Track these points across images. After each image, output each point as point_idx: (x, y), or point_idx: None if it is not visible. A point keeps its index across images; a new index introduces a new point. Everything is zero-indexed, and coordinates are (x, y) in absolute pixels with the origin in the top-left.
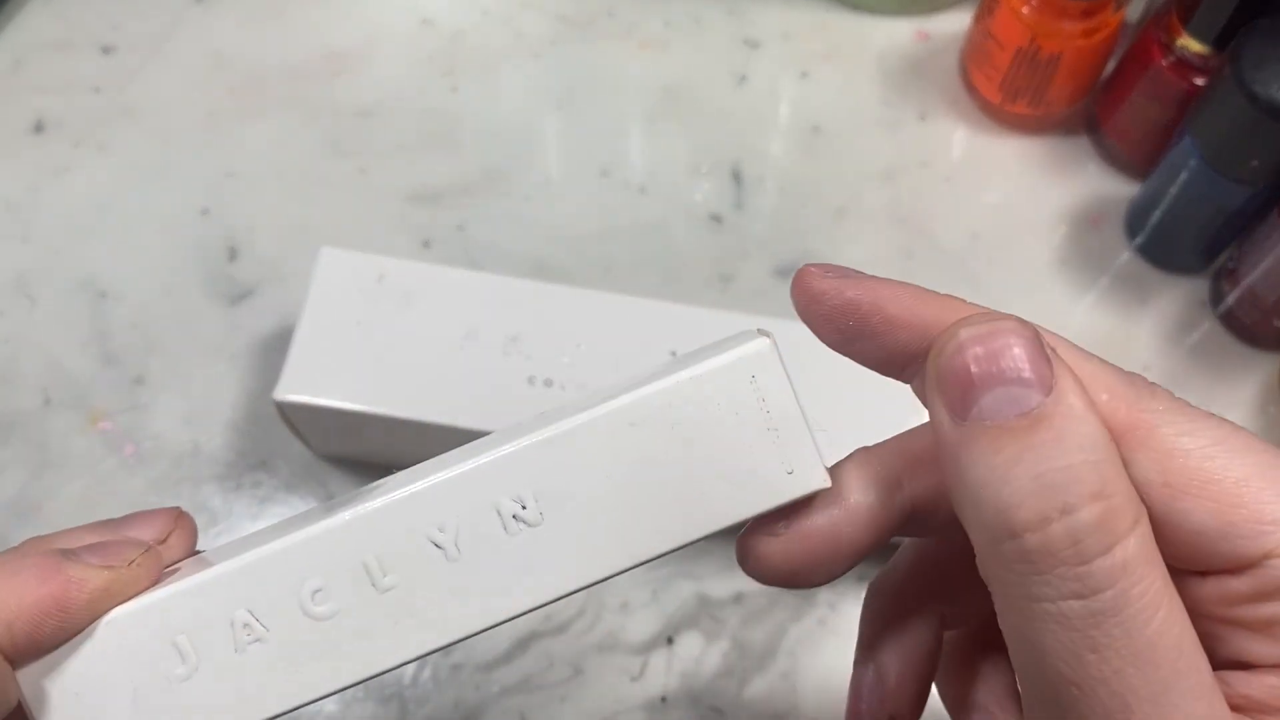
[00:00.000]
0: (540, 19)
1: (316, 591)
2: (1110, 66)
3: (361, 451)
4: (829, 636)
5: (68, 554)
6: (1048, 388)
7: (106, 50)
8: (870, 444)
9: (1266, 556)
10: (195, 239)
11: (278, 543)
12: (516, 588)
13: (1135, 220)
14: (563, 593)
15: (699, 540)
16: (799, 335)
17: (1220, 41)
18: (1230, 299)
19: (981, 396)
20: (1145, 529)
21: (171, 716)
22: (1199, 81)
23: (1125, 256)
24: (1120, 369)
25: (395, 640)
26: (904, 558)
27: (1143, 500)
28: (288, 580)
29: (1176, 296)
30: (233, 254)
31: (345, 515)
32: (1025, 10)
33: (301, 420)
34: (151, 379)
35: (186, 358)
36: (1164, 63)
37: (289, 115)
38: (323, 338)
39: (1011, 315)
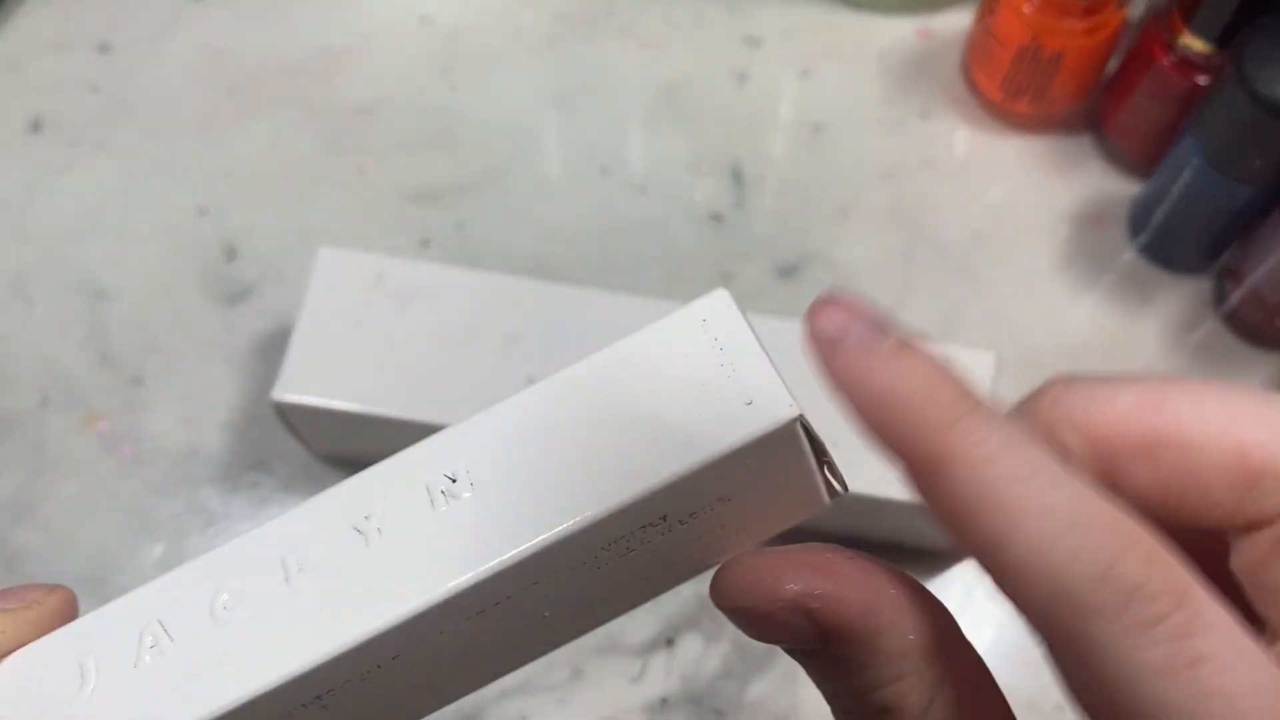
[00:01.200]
0: (540, 17)
1: (229, 596)
2: (1112, 65)
3: (360, 451)
4: None
5: None
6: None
7: (104, 49)
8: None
9: None
10: (193, 238)
11: (199, 558)
12: (445, 563)
13: (1138, 219)
14: (497, 562)
15: (657, 490)
16: (799, 337)
17: (1223, 40)
18: (1233, 298)
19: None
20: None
21: None
22: (1201, 80)
23: (1128, 256)
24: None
25: (305, 639)
26: None
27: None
28: (201, 589)
29: (1179, 296)
30: (231, 254)
31: (271, 521)
32: (1027, 9)
33: (300, 420)
34: (149, 379)
35: (184, 358)
36: (1166, 62)
37: (287, 114)
38: (321, 338)
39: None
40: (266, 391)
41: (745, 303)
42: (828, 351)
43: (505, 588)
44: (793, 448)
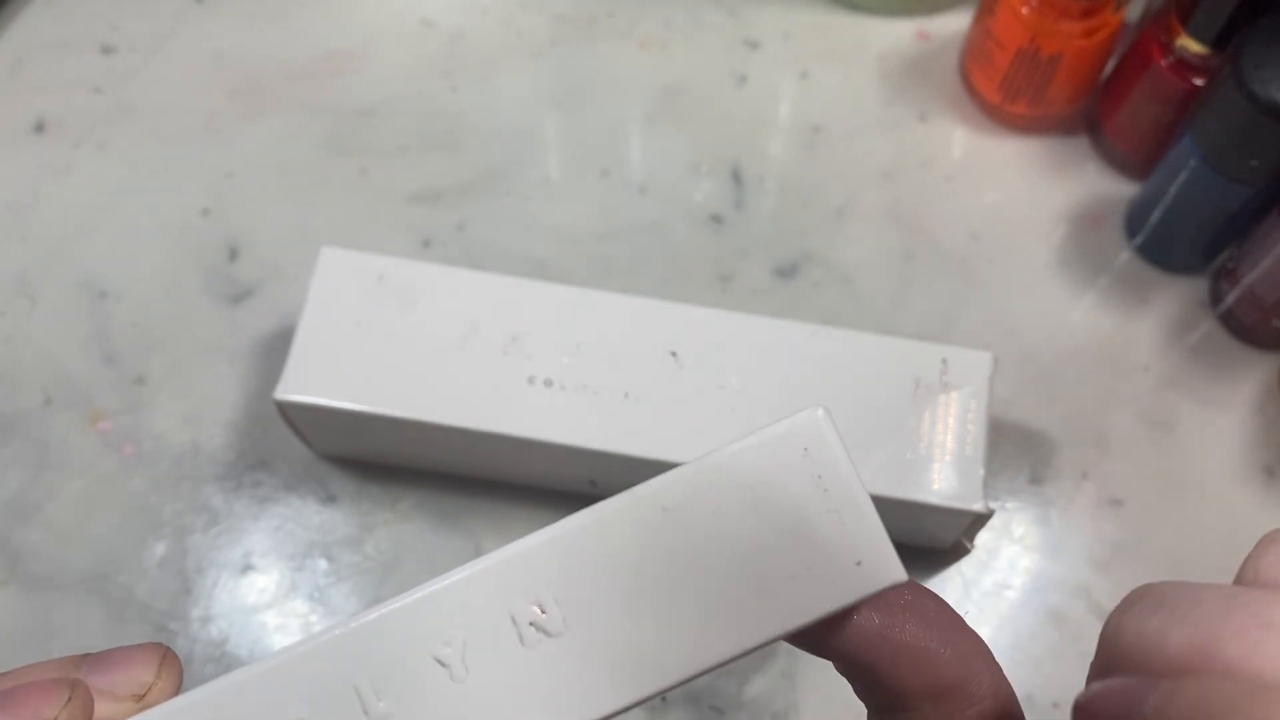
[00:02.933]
0: (540, 19)
1: None
2: (1110, 67)
3: (362, 451)
4: None
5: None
6: None
7: (107, 50)
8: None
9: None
10: (196, 239)
11: (258, 664)
12: (539, 714)
13: (1135, 220)
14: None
15: (752, 651)
16: (798, 337)
17: (1220, 42)
18: (1230, 299)
19: None
20: None
21: None
22: (1199, 82)
23: (1125, 256)
24: None
25: None
26: None
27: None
28: (266, 708)
29: (1176, 296)
30: (233, 254)
31: (336, 630)
32: (1025, 10)
33: (302, 420)
34: (152, 379)
35: (187, 357)
36: (1164, 63)
37: (289, 115)
38: (323, 337)
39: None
40: (269, 391)
41: (745, 303)
42: None
43: None
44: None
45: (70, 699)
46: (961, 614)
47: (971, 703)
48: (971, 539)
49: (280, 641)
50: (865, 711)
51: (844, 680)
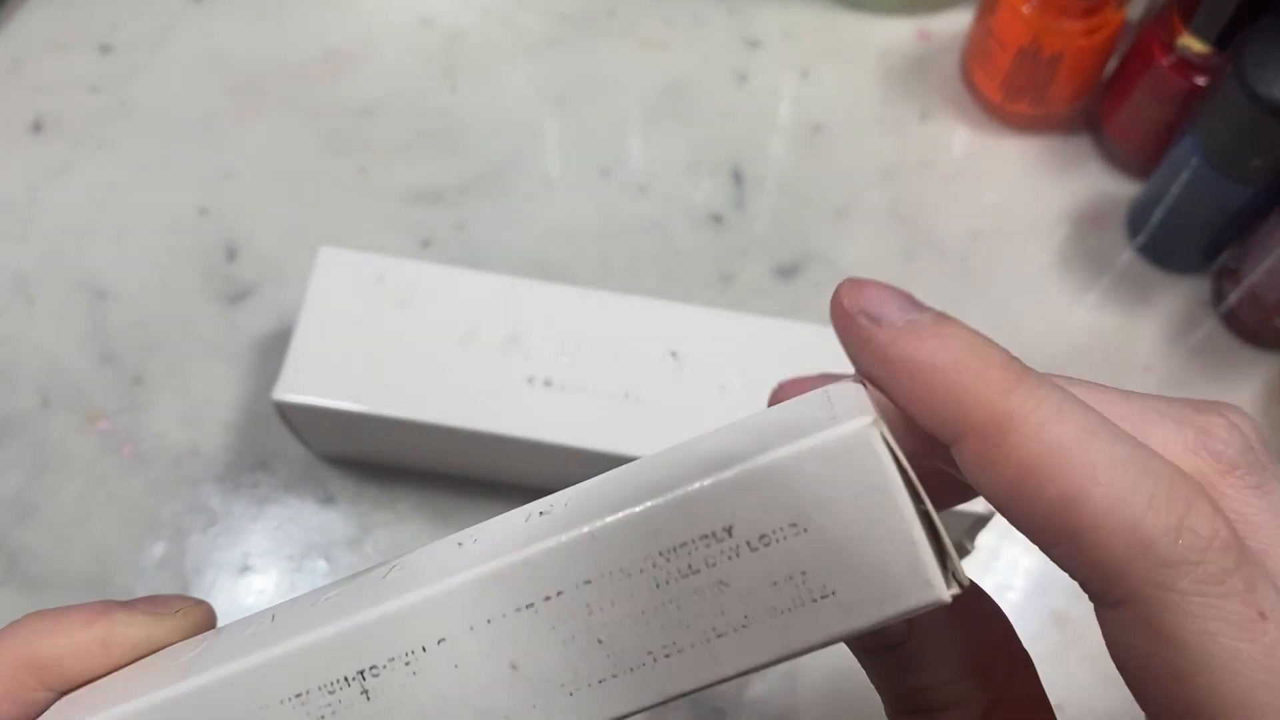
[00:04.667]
0: (540, 18)
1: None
2: (1112, 66)
3: (361, 451)
4: None
5: (119, 601)
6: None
7: (105, 50)
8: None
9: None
10: (194, 239)
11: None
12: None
13: (1136, 220)
14: None
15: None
16: (798, 337)
17: (1222, 41)
18: (1232, 298)
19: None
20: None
21: None
22: (1200, 81)
23: (1126, 256)
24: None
25: None
26: None
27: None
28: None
29: (1178, 296)
30: (232, 254)
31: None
32: (1026, 9)
33: (301, 420)
34: (150, 379)
35: (185, 358)
36: (1165, 62)
37: (288, 115)
38: (322, 338)
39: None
40: (267, 391)
41: (745, 303)
42: (868, 329)
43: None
44: (873, 462)
45: (181, 612)
46: None
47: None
48: (973, 540)
49: None
50: (866, 712)
51: (844, 681)
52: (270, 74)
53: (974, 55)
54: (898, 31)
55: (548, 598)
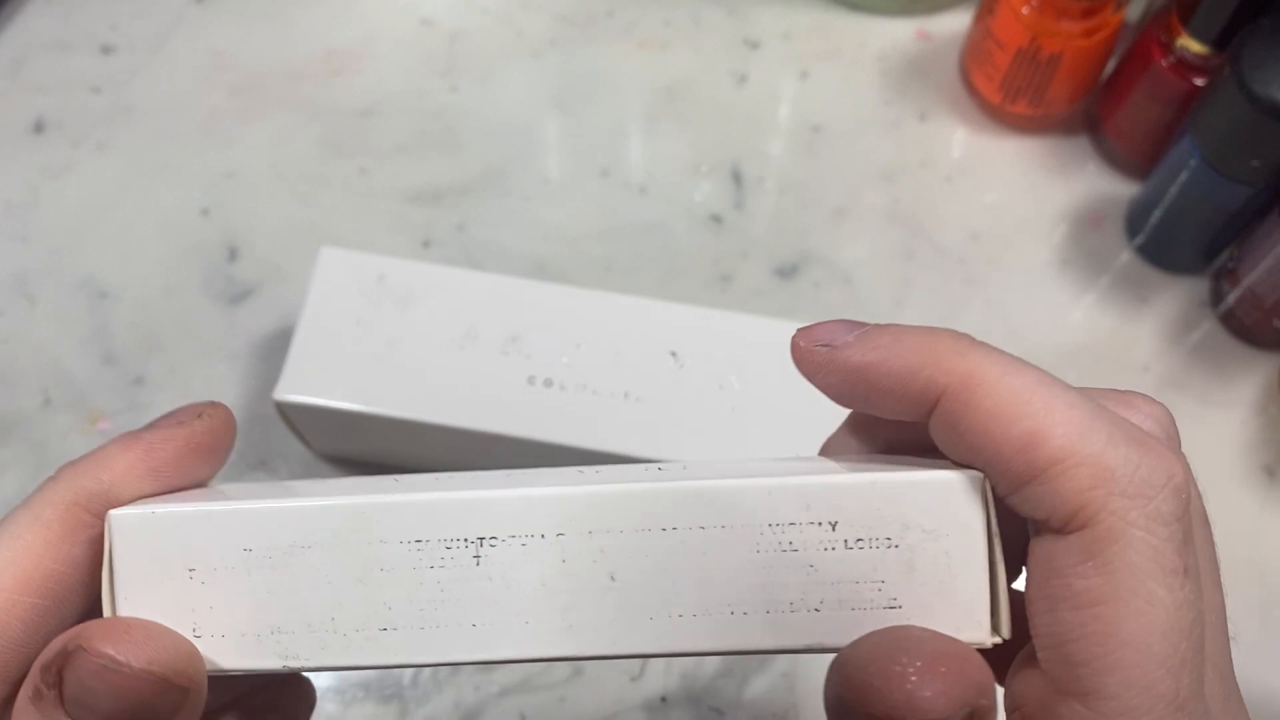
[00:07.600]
0: (540, 19)
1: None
2: (1110, 66)
3: (362, 451)
4: None
5: (141, 428)
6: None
7: (106, 50)
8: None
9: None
10: (195, 239)
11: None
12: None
13: (1135, 220)
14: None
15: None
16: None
17: (1220, 41)
18: (1230, 299)
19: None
20: None
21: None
22: (1199, 81)
23: (1125, 256)
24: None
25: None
26: None
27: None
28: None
29: (1176, 296)
30: (233, 254)
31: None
32: (1025, 10)
33: (301, 420)
34: (151, 379)
35: (186, 357)
36: (1164, 63)
37: (289, 115)
38: (323, 338)
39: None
40: (268, 391)
41: (745, 303)
42: (826, 352)
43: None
44: (972, 508)
45: (204, 415)
46: None
47: None
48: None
49: None
50: None
51: None
52: (271, 74)
53: (973, 56)
54: (897, 32)
55: (664, 529)
